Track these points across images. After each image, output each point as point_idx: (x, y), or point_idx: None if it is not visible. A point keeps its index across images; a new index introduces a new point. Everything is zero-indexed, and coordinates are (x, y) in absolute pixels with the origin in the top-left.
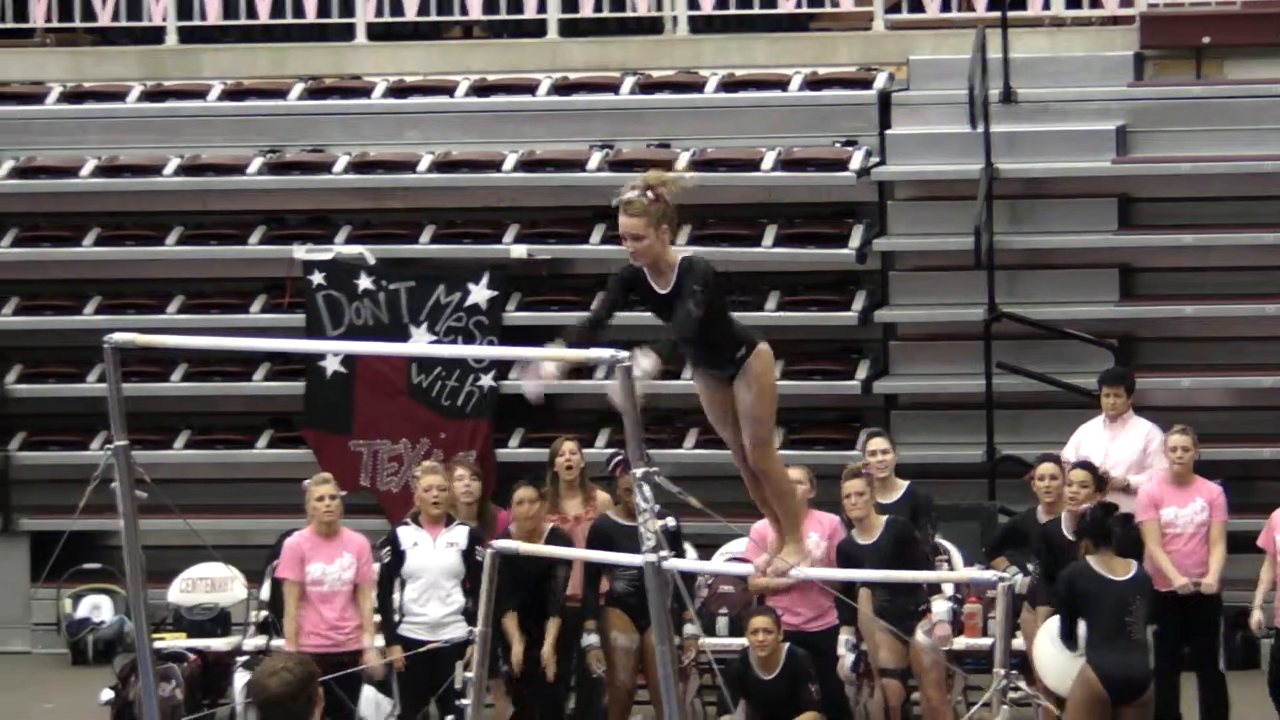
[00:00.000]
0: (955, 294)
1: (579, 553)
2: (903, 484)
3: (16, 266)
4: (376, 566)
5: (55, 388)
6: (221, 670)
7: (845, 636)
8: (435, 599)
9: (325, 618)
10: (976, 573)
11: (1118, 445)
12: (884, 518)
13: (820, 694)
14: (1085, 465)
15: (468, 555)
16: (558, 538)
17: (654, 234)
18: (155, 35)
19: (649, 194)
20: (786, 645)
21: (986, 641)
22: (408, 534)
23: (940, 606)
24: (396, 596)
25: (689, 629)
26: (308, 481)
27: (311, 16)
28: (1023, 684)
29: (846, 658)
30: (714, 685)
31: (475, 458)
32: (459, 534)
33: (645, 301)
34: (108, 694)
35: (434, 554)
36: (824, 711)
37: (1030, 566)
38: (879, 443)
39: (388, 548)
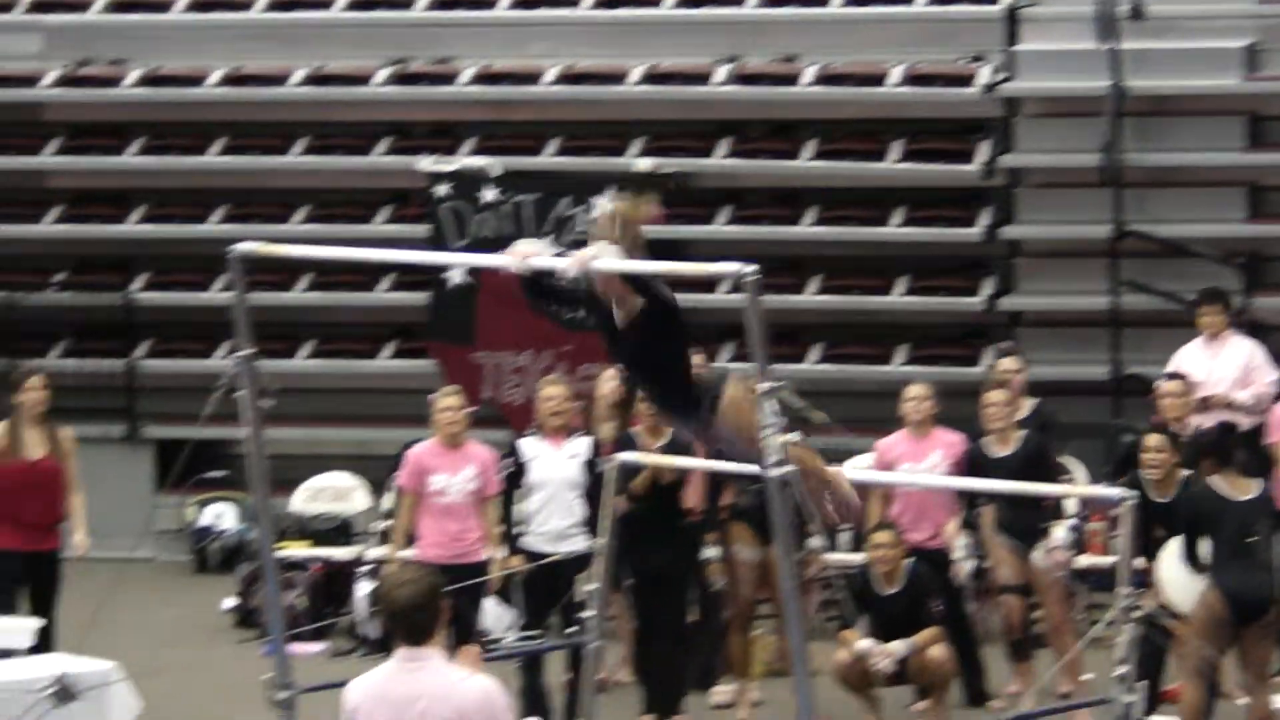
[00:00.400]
0: (1081, 211)
1: (702, 463)
2: (1030, 401)
3: (143, 175)
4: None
5: (181, 296)
6: (344, 579)
7: (964, 541)
8: (557, 510)
9: (447, 529)
10: (1100, 490)
11: (1219, 364)
12: (1021, 432)
13: (941, 609)
14: (1175, 376)
15: (589, 466)
16: (677, 443)
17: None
18: None
19: (617, 223)
20: (908, 561)
21: (1110, 560)
22: (530, 445)
23: (1059, 532)
24: (517, 508)
25: (811, 543)
26: (434, 395)
27: None
28: (1146, 602)
29: (964, 565)
30: (835, 600)
31: (599, 370)
32: (580, 445)
33: (600, 323)
34: (230, 602)
35: (556, 465)
36: (945, 626)
37: None
38: (1010, 362)
39: (510, 459)
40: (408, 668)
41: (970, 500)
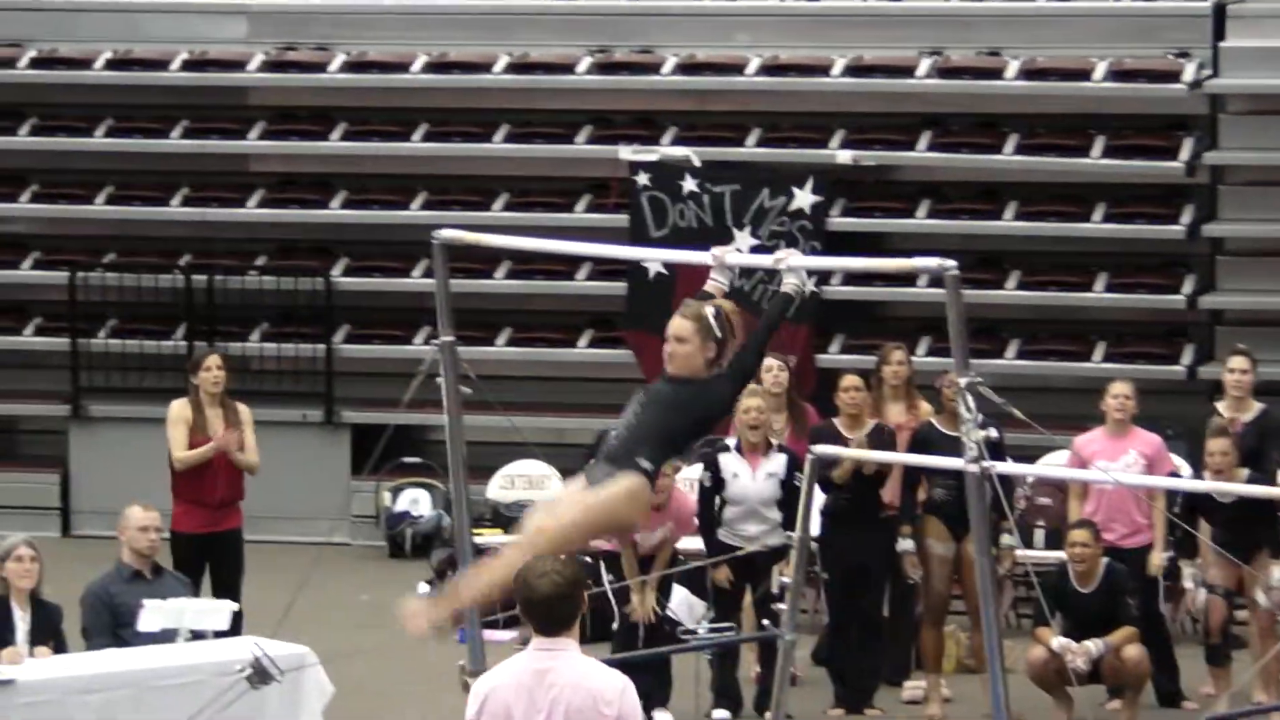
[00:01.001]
0: None
1: (899, 456)
2: (1257, 405)
3: (345, 160)
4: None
5: (380, 282)
6: None
7: (1191, 570)
8: (754, 520)
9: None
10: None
11: None
12: (1245, 473)
13: (1138, 609)
14: None
15: (786, 484)
16: (881, 434)
17: (698, 346)
18: None
19: (715, 314)
20: (1105, 560)
21: None
22: (728, 462)
23: (1278, 572)
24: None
25: (1006, 540)
26: None
27: None
28: None
29: (1198, 592)
30: (1029, 597)
31: (795, 362)
32: (778, 463)
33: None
34: (425, 587)
35: (753, 485)
36: (1141, 627)
37: None
38: (1239, 360)
39: (708, 473)
40: (543, 656)
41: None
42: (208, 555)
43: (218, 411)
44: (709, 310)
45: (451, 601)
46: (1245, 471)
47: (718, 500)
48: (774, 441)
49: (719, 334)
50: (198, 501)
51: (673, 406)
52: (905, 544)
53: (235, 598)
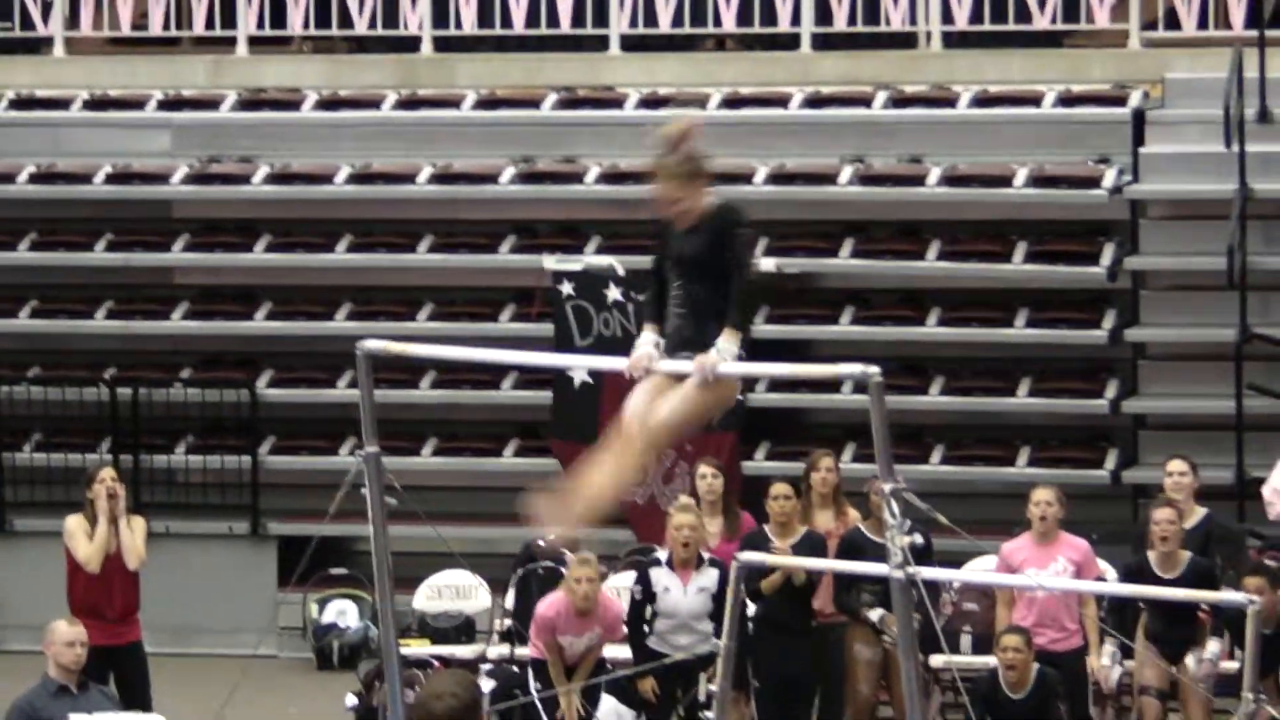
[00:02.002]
0: (1207, 314)
1: (826, 563)
2: (1200, 510)
3: (269, 272)
4: (626, 601)
5: (306, 393)
6: None
7: (1110, 649)
8: (684, 633)
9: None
10: (1227, 595)
11: None
12: (1188, 555)
13: (1069, 715)
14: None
15: (718, 598)
16: (812, 540)
17: (691, 192)
18: (411, 44)
19: (677, 153)
20: (1036, 665)
21: (1234, 665)
22: (659, 576)
23: (1214, 645)
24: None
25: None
26: (570, 556)
27: (566, 27)
28: (1270, 708)
29: (1113, 670)
30: (957, 704)
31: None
32: (710, 577)
33: (661, 243)
34: (352, 699)
35: (684, 600)
36: None
37: None
38: (1178, 464)
39: (639, 585)
40: None
41: (1120, 610)
42: (111, 669)
43: (111, 527)
44: (674, 157)
45: (574, 502)
46: (1187, 554)
47: (648, 611)
48: (705, 556)
49: (695, 164)
50: (96, 615)
51: (710, 270)
52: (878, 611)
53: (146, 709)
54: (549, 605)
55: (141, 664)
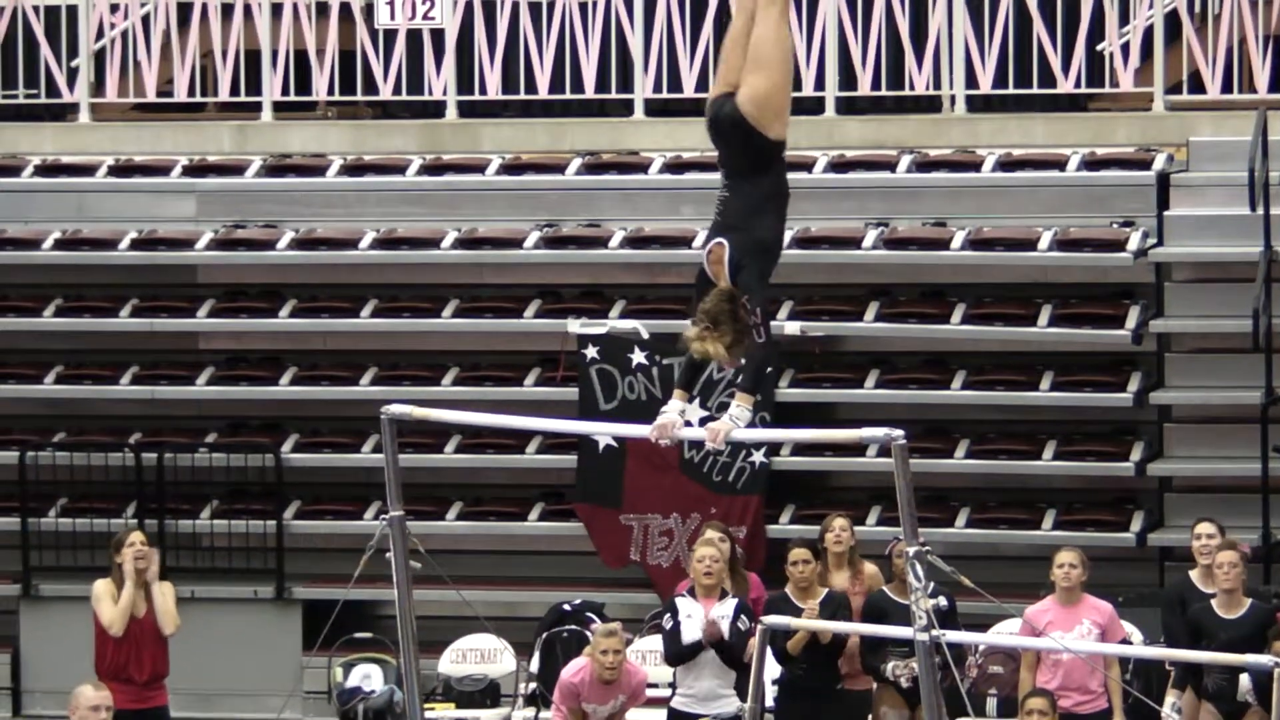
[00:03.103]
0: (1232, 377)
1: (852, 626)
2: None
3: (295, 337)
4: (655, 639)
5: (330, 457)
6: None
7: (1172, 700)
8: (707, 672)
9: None
10: (1251, 657)
11: None
12: (1250, 600)
13: None
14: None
15: (732, 625)
16: (835, 600)
17: (733, 348)
18: (435, 109)
19: (707, 330)
20: None
21: None
22: (684, 605)
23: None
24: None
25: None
26: (596, 627)
27: (590, 92)
28: None
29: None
30: None
31: (746, 534)
32: (729, 607)
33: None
34: None
35: (720, 626)
36: None
37: None
38: (1207, 527)
39: (668, 615)
40: None
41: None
42: None
43: (140, 592)
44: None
45: None
46: (1249, 600)
47: (673, 671)
48: (726, 589)
49: (723, 330)
50: (124, 679)
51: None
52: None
53: None
54: (574, 673)
55: None
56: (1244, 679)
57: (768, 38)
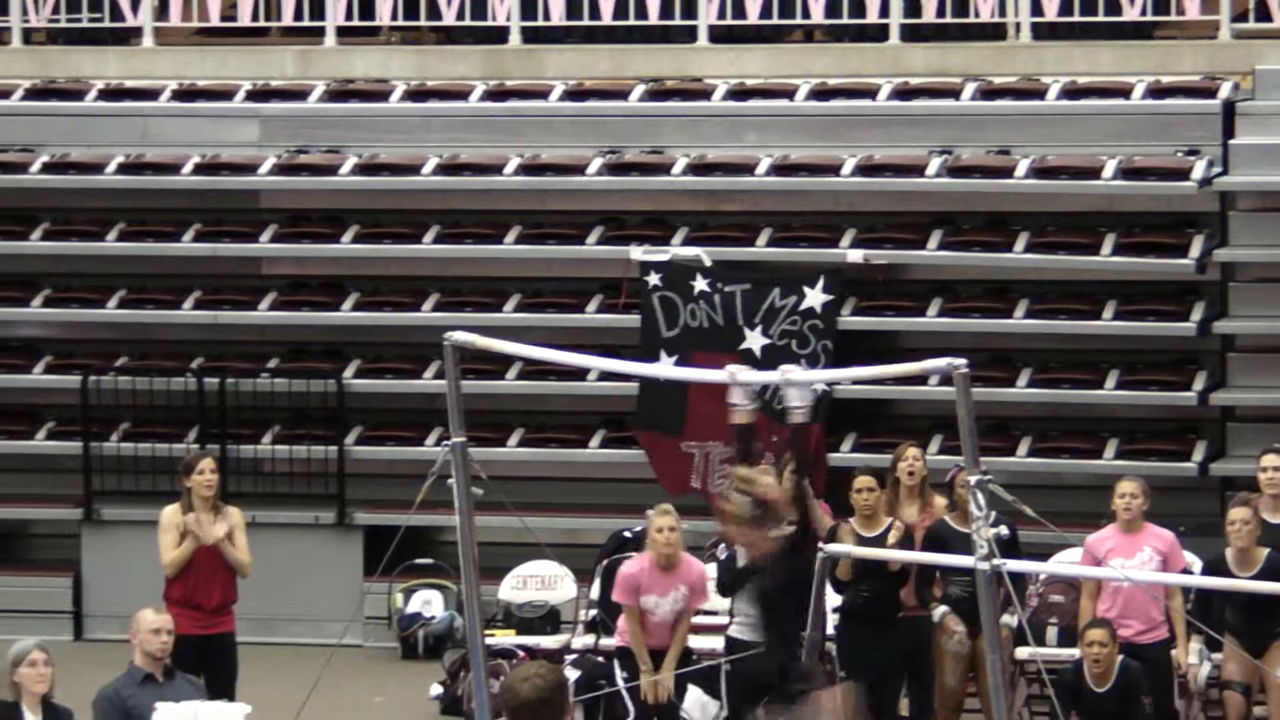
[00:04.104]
0: None
1: (910, 555)
2: None
3: (357, 262)
4: (713, 568)
5: (392, 383)
6: None
7: (1197, 646)
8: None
9: (649, 631)
10: None
11: None
12: (1266, 552)
13: (1154, 708)
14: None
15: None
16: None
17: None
18: (499, 35)
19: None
20: (1120, 658)
21: None
22: None
23: None
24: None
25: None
26: (651, 510)
27: (654, 18)
28: None
29: (1202, 667)
30: (1043, 695)
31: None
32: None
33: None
34: (437, 689)
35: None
36: None
37: None
38: (1273, 459)
39: (723, 544)
40: None
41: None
42: (202, 658)
43: (210, 516)
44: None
45: None
46: (1265, 551)
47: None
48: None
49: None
50: (192, 605)
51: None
52: (941, 609)
53: (231, 699)
54: (632, 563)
55: (231, 658)
56: None
57: None
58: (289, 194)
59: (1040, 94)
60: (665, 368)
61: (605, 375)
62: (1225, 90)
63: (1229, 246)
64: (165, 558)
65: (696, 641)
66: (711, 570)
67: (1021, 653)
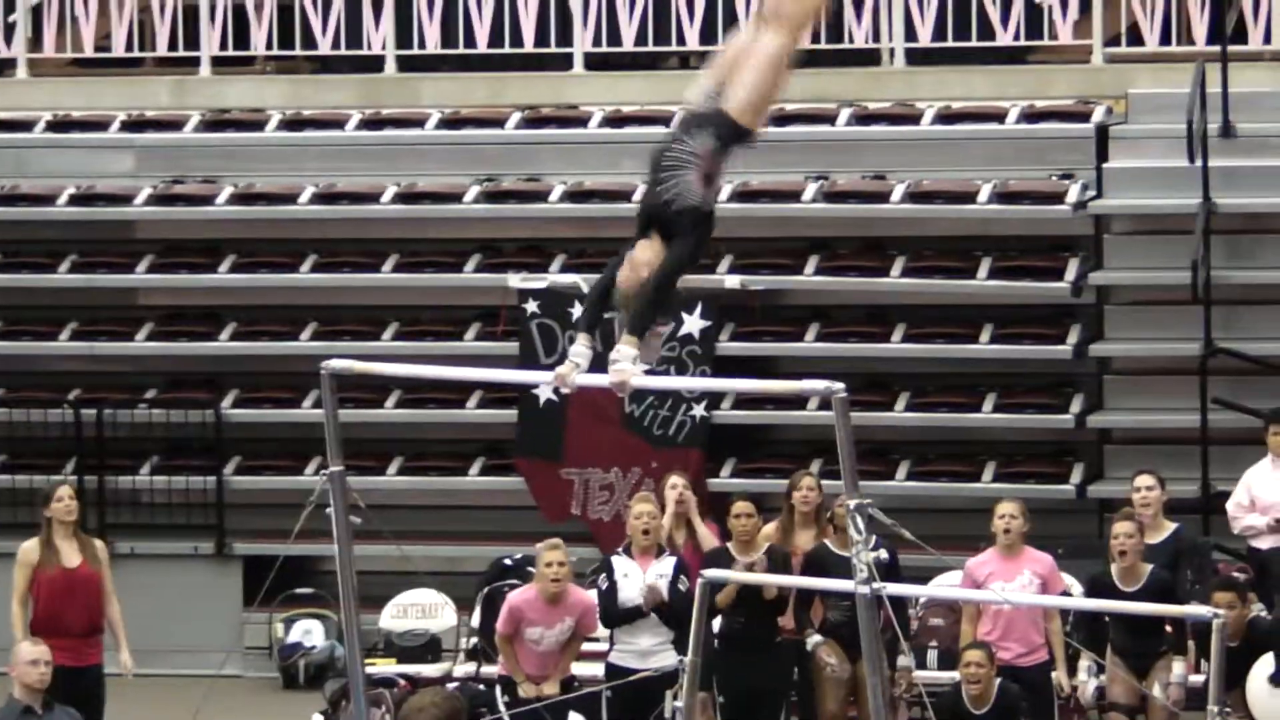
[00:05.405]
0: (1171, 329)
1: (790, 579)
2: (1170, 525)
3: (234, 293)
4: (594, 593)
5: (270, 413)
6: None
7: (1086, 663)
8: (645, 629)
9: (533, 661)
10: (1192, 609)
11: None
12: (1149, 568)
13: None
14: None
15: (672, 585)
16: (775, 555)
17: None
18: (374, 63)
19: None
20: (998, 680)
21: (1199, 679)
22: (620, 564)
23: (1178, 668)
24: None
25: (901, 660)
26: (540, 545)
27: (529, 46)
28: None
29: (1089, 684)
30: (924, 718)
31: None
32: (667, 565)
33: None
34: (318, 719)
35: (642, 586)
36: None
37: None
38: (1146, 479)
39: (604, 575)
40: None
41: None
42: (70, 692)
43: (72, 544)
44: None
45: None
46: (1149, 567)
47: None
48: (664, 546)
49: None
50: (55, 631)
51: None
52: (814, 639)
53: None
54: (518, 594)
55: (99, 691)
56: None
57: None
58: (165, 224)
59: (915, 119)
60: (533, 375)
61: (485, 403)
62: (1099, 114)
63: (1104, 270)
64: (13, 601)
65: (578, 668)
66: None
67: (902, 660)
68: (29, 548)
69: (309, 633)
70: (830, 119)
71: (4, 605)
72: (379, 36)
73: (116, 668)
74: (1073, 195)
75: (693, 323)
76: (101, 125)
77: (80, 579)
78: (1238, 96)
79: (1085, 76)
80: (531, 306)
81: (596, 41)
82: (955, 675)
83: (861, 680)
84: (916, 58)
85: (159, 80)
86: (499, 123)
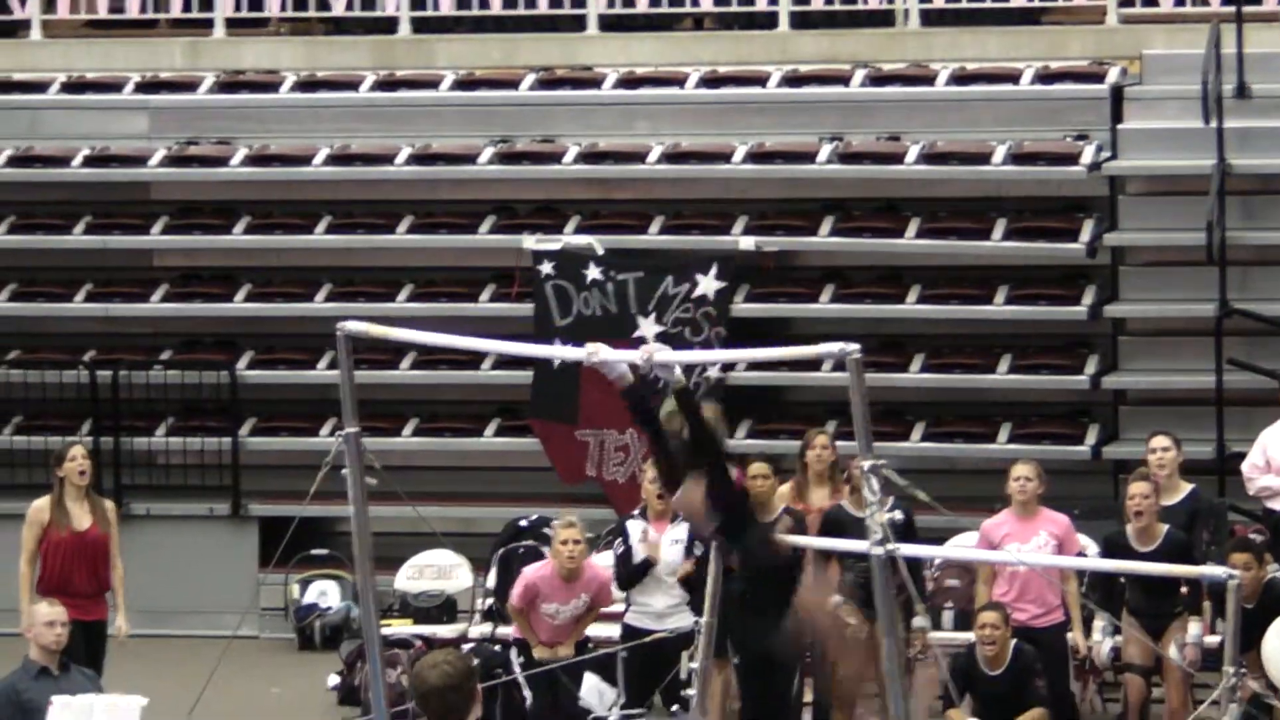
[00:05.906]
0: (1186, 290)
1: (805, 540)
2: (1186, 486)
3: (249, 254)
4: (610, 555)
5: (286, 374)
6: None
7: (1101, 623)
8: (660, 590)
9: (548, 631)
10: (1208, 569)
11: None
12: (1165, 529)
13: (1047, 690)
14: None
15: (689, 549)
16: (790, 517)
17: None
18: (388, 25)
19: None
20: (1014, 641)
21: (1215, 639)
22: (636, 527)
23: (1194, 628)
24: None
25: (917, 621)
26: (556, 520)
27: (543, 7)
28: (1252, 682)
29: (1104, 644)
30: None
31: None
32: (683, 530)
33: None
34: (334, 679)
35: (659, 550)
36: (1050, 708)
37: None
38: (1161, 440)
39: (619, 539)
40: None
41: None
42: (77, 643)
43: (83, 505)
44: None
45: None
46: (1165, 527)
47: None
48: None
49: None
50: (63, 590)
51: None
52: (833, 599)
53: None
54: (535, 569)
55: (101, 645)
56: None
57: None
58: (179, 185)
59: (929, 80)
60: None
61: (499, 364)
62: (1113, 75)
63: (1119, 231)
64: (21, 561)
65: (594, 629)
66: (608, 559)
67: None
68: (40, 506)
69: (324, 594)
70: (845, 80)
71: (14, 565)
72: None
73: (113, 633)
74: (1087, 156)
75: (707, 284)
76: (116, 87)
77: (89, 542)
78: (1253, 57)
79: (1100, 37)
80: (546, 268)
81: (610, 3)
82: (971, 636)
83: (877, 641)
84: (931, 18)
85: (173, 41)
86: (513, 84)
